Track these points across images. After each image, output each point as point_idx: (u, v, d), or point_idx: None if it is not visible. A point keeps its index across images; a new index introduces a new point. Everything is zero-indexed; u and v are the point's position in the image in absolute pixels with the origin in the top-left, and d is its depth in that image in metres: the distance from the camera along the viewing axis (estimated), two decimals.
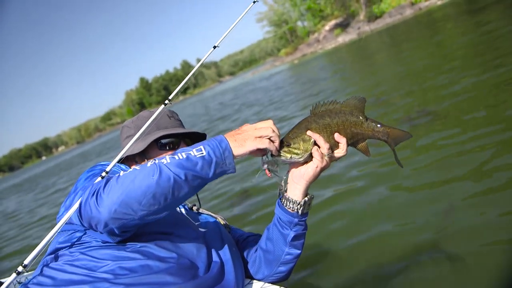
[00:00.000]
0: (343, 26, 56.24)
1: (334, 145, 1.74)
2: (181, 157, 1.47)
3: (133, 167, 1.69)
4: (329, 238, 4.02)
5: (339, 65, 24.14)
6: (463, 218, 3.40)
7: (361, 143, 1.81)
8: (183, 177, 1.45)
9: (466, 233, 3.19)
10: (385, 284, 3.04)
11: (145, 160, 2.02)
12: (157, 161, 1.48)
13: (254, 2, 2.51)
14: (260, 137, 1.58)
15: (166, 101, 2.02)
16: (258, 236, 2.18)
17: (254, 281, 2.06)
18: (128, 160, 2.07)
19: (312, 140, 1.70)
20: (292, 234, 1.86)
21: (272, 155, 1.64)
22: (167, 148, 2.05)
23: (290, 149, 1.68)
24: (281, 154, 1.66)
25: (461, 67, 9.30)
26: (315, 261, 3.68)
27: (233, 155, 1.53)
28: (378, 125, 1.77)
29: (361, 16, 53.19)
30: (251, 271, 2.07)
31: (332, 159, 1.77)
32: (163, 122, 2.10)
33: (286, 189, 1.85)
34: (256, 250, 2.07)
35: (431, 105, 7.16)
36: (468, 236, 3.14)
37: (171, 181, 1.43)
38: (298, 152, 1.68)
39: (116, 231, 1.51)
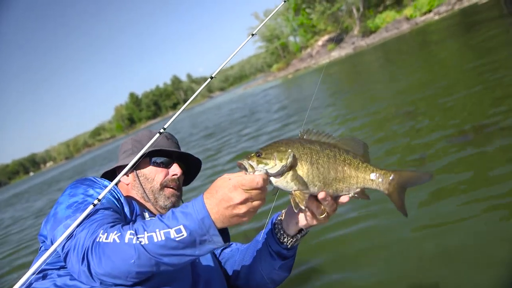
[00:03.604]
0: (337, 41, 56.18)
1: (313, 182, 1.49)
2: (159, 238, 1.39)
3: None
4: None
5: (337, 79, 23.72)
6: None
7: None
8: (166, 261, 1.42)
9: None
10: None
11: (134, 171, 2.04)
12: (134, 239, 1.41)
13: (252, 35, 2.48)
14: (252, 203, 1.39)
15: (161, 130, 1.99)
16: (234, 246, 2.18)
17: None
18: (120, 170, 2.02)
19: (289, 152, 1.45)
20: (281, 263, 1.84)
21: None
22: (160, 166, 2.07)
23: (260, 159, 1.43)
24: (249, 163, 1.43)
25: (463, 82, 9.36)
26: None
27: (220, 232, 1.41)
28: (379, 171, 1.52)
29: (355, 31, 53.23)
30: (239, 283, 2.07)
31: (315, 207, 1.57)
32: (160, 141, 2.09)
33: (281, 221, 1.81)
34: (239, 263, 2.07)
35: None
36: None
37: (152, 262, 1.42)
38: (269, 162, 1.42)
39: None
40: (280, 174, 1.45)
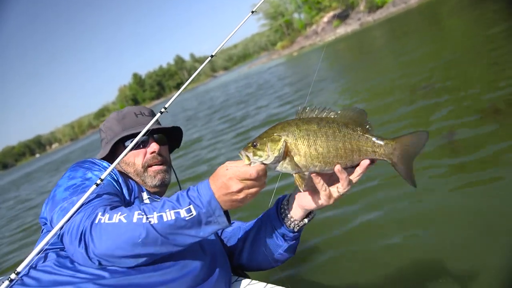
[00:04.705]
0: (342, 17, 55.37)
1: (315, 164, 1.48)
2: (169, 218, 1.45)
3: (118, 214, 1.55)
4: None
5: (344, 56, 23.35)
6: None
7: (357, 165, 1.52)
8: (171, 240, 1.47)
9: None
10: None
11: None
12: (144, 218, 1.45)
13: (252, 12, 2.39)
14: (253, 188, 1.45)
15: (162, 109, 1.97)
16: (235, 224, 2.16)
17: (241, 278, 2.09)
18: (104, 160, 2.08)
19: (282, 141, 1.46)
20: (286, 245, 1.86)
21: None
22: (135, 148, 1.99)
23: (255, 150, 1.46)
24: (246, 154, 1.46)
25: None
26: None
27: (224, 213, 1.48)
28: (380, 140, 1.48)
29: (361, 6, 52.29)
30: (243, 260, 2.07)
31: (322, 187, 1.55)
32: (128, 121, 2.09)
33: (288, 202, 1.81)
34: (242, 242, 2.06)
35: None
36: None
37: (158, 242, 1.46)
38: (262, 154, 1.45)
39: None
40: (276, 162, 1.47)
